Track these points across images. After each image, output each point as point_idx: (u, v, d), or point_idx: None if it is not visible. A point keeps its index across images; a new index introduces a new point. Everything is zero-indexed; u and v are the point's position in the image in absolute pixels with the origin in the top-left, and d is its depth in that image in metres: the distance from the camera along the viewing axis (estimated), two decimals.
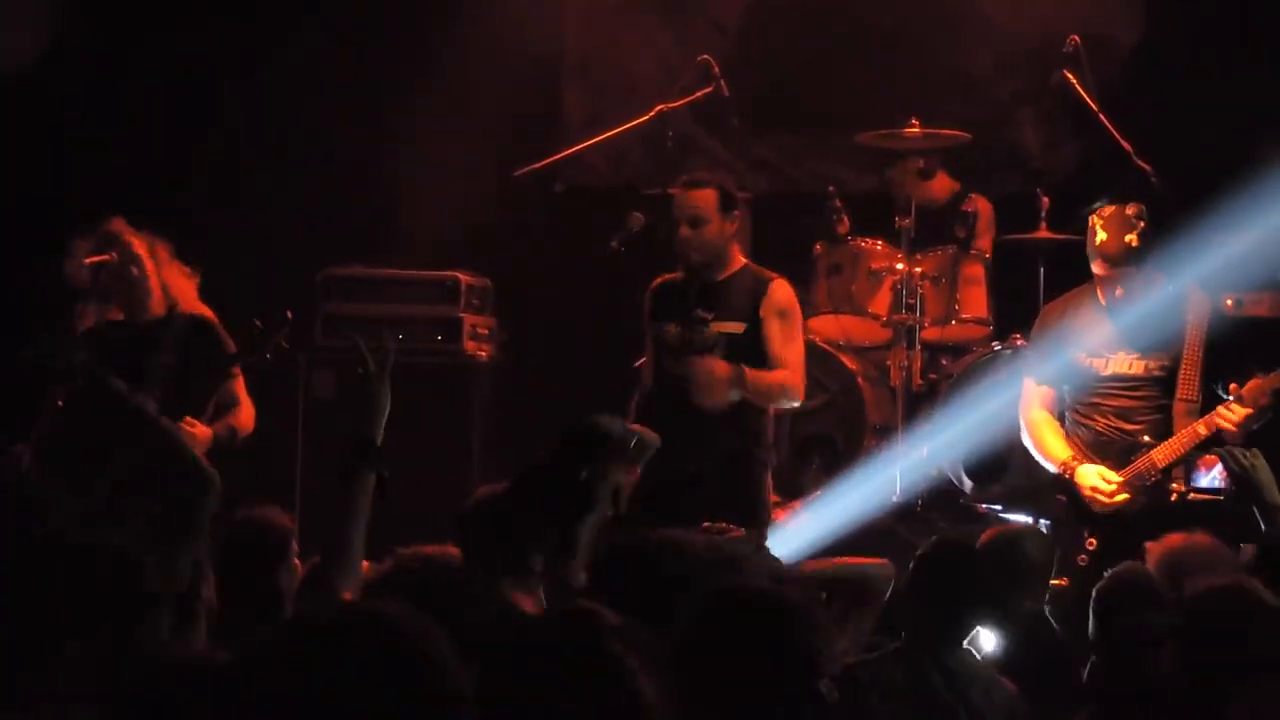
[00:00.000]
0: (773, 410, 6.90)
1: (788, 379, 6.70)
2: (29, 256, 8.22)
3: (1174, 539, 5.09)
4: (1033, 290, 8.18)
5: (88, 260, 6.73)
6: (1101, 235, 6.83)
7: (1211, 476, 6.47)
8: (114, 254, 6.73)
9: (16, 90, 8.99)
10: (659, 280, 6.94)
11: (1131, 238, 6.79)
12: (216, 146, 9.32)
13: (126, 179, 8.77)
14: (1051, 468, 6.86)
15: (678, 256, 6.79)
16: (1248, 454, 5.54)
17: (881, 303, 8.46)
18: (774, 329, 6.70)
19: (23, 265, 8.15)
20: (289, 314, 6.53)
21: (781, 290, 6.81)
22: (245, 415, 6.78)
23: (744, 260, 6.91)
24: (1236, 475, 5.52)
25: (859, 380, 8.36)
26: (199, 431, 6.56)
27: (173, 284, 6.85)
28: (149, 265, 6.78)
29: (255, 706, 1.97)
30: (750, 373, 6.62)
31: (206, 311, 6.89)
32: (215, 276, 7.16)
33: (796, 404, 6.92)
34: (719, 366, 6.59)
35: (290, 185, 9.25)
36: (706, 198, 6.70)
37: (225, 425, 6.70)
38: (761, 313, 6.71)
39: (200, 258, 7.04)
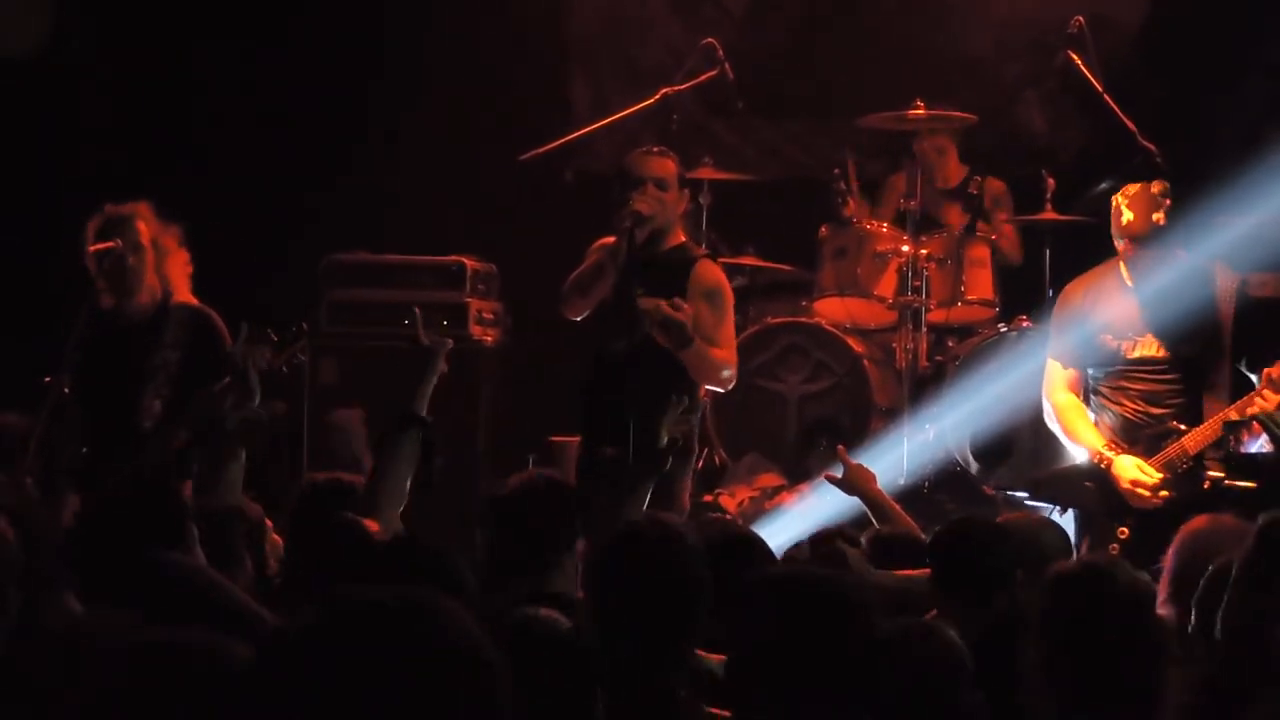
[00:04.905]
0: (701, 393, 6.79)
1: (725, 357, 6.52)
2: (30, 245, 8.20)
3: (1199, 521, 4.98)
4: (1038, 272, 8.18)
5: (91, 248, 6.62)
6: (1128, 215, 6.64)
7: (1259, 443, 6.35)
8: (118, 240, 6.62)
9: (19, 77, 8.98)
10: (599, 243, 6.72)
11: (1159, 216, 6.62)
12: (219, 131, 9.31)
13: (128, 165, 8.76)
14: (1083, 455, 6.68)
15: (620, 222, 6.53)
16: None
17: (887, 285, 8.45)
18: (703, 310, 6.49)
19: (23, 254, 8.13)
20: (303, 326, 6.40)
21: (707, 269, 6.65)
22: None
23: (684, 238, 6.86)
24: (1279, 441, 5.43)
25: (865, 363, 8.36)
26: None
27: (171, 275, 6.73)
28: (149, 255, 6.65)
29: (281, 697, 1.96)
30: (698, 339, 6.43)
31: (202, 304, 6.78)
32: (220, 263, 7.12)
33: (730, 386, 6.68)
34: (686, 308, 6.37)
35: (295, 170, 9.24)
36: (670, 165, 6.67)
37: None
38: (688, 293, 6.54)
39: (204, 244, 6.99)
